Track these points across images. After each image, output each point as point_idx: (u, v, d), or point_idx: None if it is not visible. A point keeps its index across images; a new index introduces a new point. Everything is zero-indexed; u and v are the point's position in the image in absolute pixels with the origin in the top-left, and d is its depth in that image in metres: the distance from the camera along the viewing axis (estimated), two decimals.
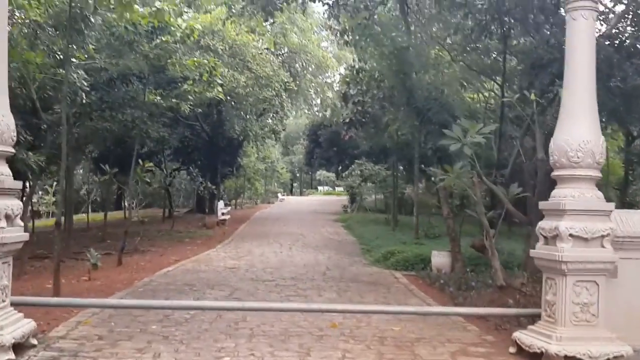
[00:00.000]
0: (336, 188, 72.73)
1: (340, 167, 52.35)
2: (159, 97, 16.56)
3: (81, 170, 42.18)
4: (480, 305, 9.00)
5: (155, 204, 42.11)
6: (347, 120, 19.38)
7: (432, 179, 12.93)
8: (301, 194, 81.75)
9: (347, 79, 19.51)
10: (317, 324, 7.46)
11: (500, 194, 10.11)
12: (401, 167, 28.80)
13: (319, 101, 40.32)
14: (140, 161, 18.18)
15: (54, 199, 41.36)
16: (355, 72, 19.00)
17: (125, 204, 44.18)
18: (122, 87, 16.54)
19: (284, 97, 27.10)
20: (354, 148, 38.92)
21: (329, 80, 37.90)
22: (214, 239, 21.92)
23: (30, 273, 13.70)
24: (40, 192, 45.40)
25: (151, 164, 18.40)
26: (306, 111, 51.17)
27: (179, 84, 16.68)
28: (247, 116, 28.18)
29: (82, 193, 42.67)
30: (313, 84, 35.67)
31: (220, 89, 16.24)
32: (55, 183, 39.67)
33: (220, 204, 32.92)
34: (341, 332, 7.18)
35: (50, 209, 42.10)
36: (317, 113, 46.66)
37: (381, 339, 6.90)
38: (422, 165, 16.78)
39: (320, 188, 78.85)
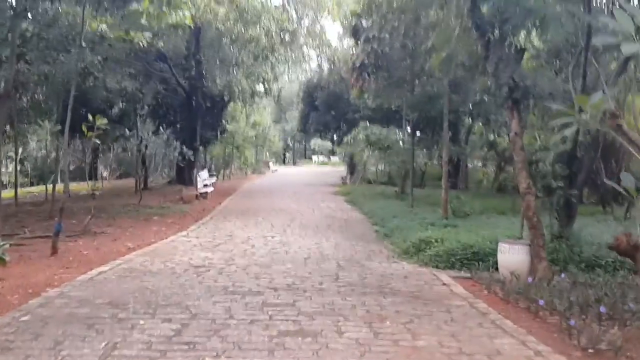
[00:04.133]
0: (332, 158, 68.28)
1: (335, 136, 47.96)
2: (104, 25, 11.98)
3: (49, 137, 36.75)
4: None
5: (133, 173, 37.72)
6: (358, 64, 14.78)
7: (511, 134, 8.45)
8: (294, 164, 77.25)
9: (359, 11, 14.80)
10: None
11: None
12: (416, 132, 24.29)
13: (315, 56, 35.63)
14: (90, 116, 13.66)
15: (18, 167, 36.97)
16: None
17: (103, 173, 39.92)
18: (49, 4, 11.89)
19: (275, 39, 22.27)
20: (354, 111, 34.59)
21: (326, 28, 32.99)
22: (189, 217, 17.52)
23: None
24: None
25: (105, 120, 13.90)
26: (300, 74, 46.57)
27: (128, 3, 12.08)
28: (232, 69, 23.45)
29: (49, 161, 38.23)
30: (310, 35, 30.84)
31: (187, 13, 11.65)
32: (20, 150, 35.24)
33: (204, 173, 28.47)
34: None
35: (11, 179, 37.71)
36: (311, 72, 41.93)
37: None
38: (469, 118, 12.35)
39: (314, 158, 74.27)
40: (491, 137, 19.05)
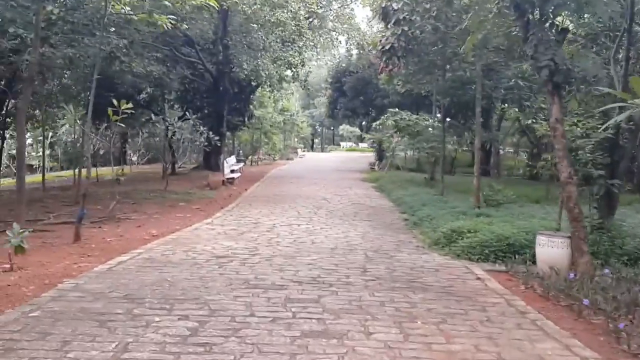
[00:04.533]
0: (360, 144, 67.65)
1: (364, 122, 47.36)
2: (128, 8, 11.65)
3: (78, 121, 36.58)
4: None
5: (161, 158, 37.71)
6: (387, 47, 14.19)
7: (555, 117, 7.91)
8: (322, 150, 76.86)
9: None
10: None
11: None
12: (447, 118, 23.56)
13: (343, 41, 34.99)
14: (114, 101, 13.40)
15: (47, 151, 37.24)
16: None
17: (132, 158, 39.97)
18: None
19: (302, 23, 21.67)
20: (383, 97, 34.05)
21: (355, 13, 32.34)
22: (215, 204, 17.29)
23: None
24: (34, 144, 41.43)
25: (130, 105, 13.64)
26: (328, 60, 46.03)
27: None
28: (260, 53, 22.95)
29: (78, 145, 38.28)
30: (338, 20, 30.19)
31: None
32: (51, 134, 35.39)
33: (231, 159, 28.32)
34: None
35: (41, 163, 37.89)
36: (339, 57, 41.29)
37: None
38: (502, 104, 11.75)
39: (342, 144, 73.76)
40: (526, 122, 18.22)
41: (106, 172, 28.73)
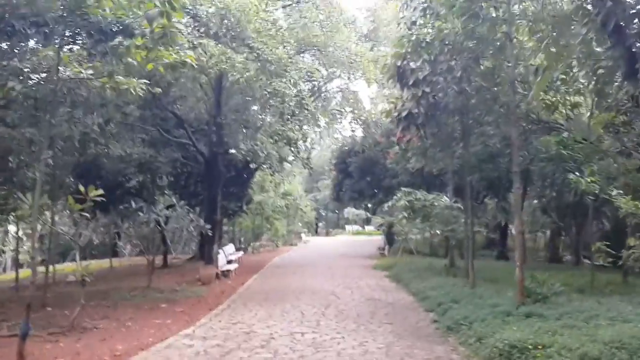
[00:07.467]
0: (366, 227, 65.08)
1: (369, 204, 45.10)
2: (90, 71, 9.44)
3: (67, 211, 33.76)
4: None
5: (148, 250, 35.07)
6: (404, 113, 11.91)
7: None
8: (327, 234, 74.10)
9: (404, 46, 11.95)
10: None
11: None
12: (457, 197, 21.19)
13: (348, 120, 33.24)
14: (80, 186, 11.09)
15: (37, 244, 34.65)
16: (410, 37, 11.63)
17: (124, 249, 37.25)
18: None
19: (303, 90, 19.40)
20: (392, 177, 31.80)
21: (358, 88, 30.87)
22: (203, 304, 14.62)
23: None
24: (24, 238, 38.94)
25: (99, 191, 11.21)
26: (332, 141, 44.49)
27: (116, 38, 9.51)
28: (257, 133, 20.75)
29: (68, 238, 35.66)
30: (343, 96, 28.33)
31: (190, 51, 9.10)
32: (40, 226, 32.87)
33: (229, 248, 25.73)
34: None
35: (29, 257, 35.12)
36: (342, 139, 39.68)
37: None
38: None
39: (348, 227, 71.16)
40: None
41: (96, 265, 26.11)
